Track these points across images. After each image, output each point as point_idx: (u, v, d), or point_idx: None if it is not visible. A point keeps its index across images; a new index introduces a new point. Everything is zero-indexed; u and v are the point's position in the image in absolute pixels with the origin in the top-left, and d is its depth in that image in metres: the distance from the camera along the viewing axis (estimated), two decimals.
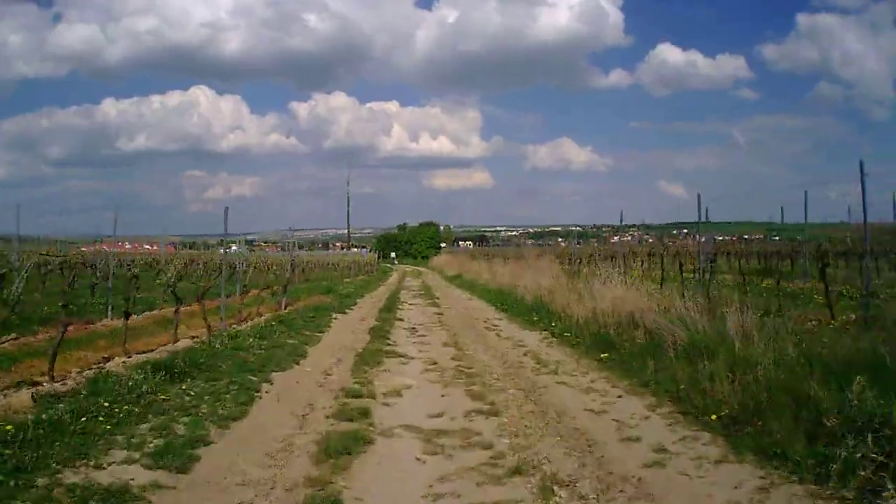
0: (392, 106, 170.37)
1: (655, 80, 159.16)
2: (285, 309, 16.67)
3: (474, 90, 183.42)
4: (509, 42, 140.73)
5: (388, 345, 11.03)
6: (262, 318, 14.34)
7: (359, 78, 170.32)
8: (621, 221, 21.81)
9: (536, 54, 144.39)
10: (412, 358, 9.58)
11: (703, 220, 12.68)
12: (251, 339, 10.43)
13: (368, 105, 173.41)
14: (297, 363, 8.93)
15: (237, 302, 14.91)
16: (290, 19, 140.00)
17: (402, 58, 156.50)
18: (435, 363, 9.09)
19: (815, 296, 11.58)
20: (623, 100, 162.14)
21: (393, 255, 79.81)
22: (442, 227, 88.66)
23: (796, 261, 20.84)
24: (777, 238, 29.82)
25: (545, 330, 12.01)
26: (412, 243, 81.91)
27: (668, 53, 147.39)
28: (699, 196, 12.32)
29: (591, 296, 11.60)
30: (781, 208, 14.61)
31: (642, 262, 22.00)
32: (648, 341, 8.35)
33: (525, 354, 9.61)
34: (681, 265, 15.31)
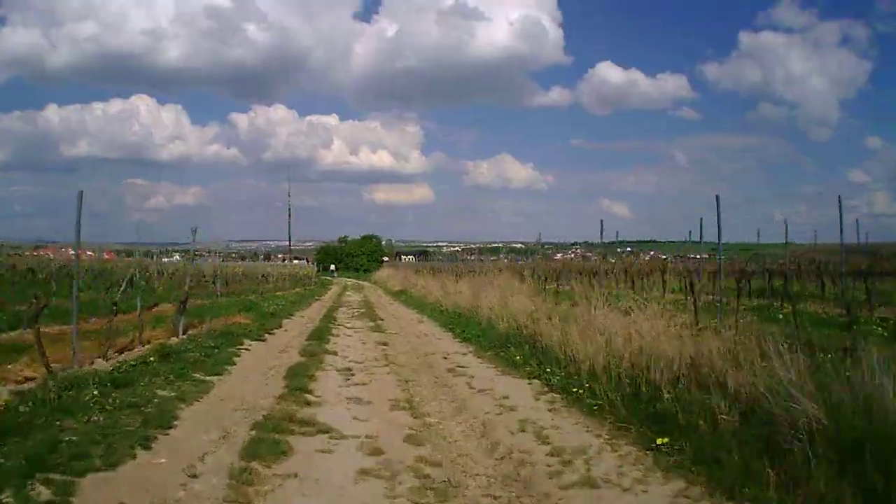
0: (331, 119, 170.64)
1: (596, 99, 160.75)
2: (184, 333, 12.76)
3: (414, 105, 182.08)
4: (448, 57, 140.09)
5: (308, 402, 7.34)
6: (147, 346, 10.52)
7: (298, 90, 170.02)
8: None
9: (475, 70, 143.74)
10: (342, 437, 5.89)
11: (713, 236, 9.62)
12: (95, 393, 6.67)
13: (308, 118, 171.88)
14: (137, 455, 5.11)
15: (123, 322, 11.03)
16: (230, 29, 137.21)
17: (340, 71, 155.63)
18: (380, 452, 5.43)
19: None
20: (563, 117, 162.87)
21: (333, 267, 75.00)
22: (384, 242, 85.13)
23: (791, 280, 18.35)
24: (722, 258, 31.64)
25: (537, 377, 8.51)
26: (354, 256, 77.83)
27: (609, 72, 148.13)
28: (717, 202, 9.29)
29: (595, 327, 8.23)
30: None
31: (663, 279, 18.58)
32: (742, 422, 4.99)
33: (522, 430, 6.09)
34: (690, 285, 12.19)
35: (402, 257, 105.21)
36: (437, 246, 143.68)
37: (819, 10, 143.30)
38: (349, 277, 67.32)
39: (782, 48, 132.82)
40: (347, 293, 34.63)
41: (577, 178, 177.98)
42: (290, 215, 73.62)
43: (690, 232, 12.82)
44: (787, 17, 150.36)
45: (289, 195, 76.04)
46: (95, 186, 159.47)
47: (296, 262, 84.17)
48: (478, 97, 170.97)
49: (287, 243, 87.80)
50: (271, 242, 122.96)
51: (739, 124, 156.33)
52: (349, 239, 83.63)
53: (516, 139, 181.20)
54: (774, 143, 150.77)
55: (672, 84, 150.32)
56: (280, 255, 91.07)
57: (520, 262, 35.33)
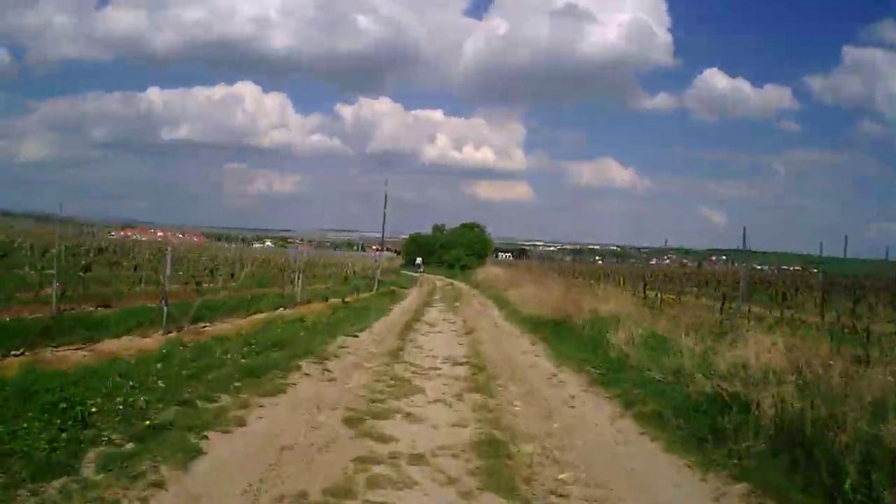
0: (437, 114, 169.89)
1: (701, 106, 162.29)
2: None
3: (519, 103, 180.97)
4: (557, 57, 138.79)
5: None
6: None
7: (404, 84, 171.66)
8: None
9: (583, 70, 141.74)
10: None
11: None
12: None
13: (413, 112, 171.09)
14: None
15: None
16: (339, 20, 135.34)
17: (448, 66, 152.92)
18: None
19: None
20: (668, 123, 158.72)
21: (419, 260, 65.03)
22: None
23: None
24: (815, 270, 28.47)
25: None
26: (449, 248, 66.59)
27: (716, 79, 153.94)
28: None
29: None
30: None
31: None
32: None
33: None
34: None
35: (500, 254, 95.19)
36: (532, 244, 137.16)
37: None
38: (440, 274, 57.28)
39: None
40: (432, 307, 23.20)
41: (678, 184, 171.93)
42: (385, 204, 69.20)
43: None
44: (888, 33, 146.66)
45: (385, 183, 72.75)
46: (195, 169, 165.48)
47: (387, 253, 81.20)
48: (583, 98, 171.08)
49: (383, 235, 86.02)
50: (368, 234, 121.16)
51: (839, 140, 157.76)
52: (446, 227, 73.06)
53: (619, 141, 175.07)
54: (872, 160, 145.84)
55: (777, 95, 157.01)
56: (374, 247, 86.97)
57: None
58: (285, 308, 16.33)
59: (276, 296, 17.15)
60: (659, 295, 19.48)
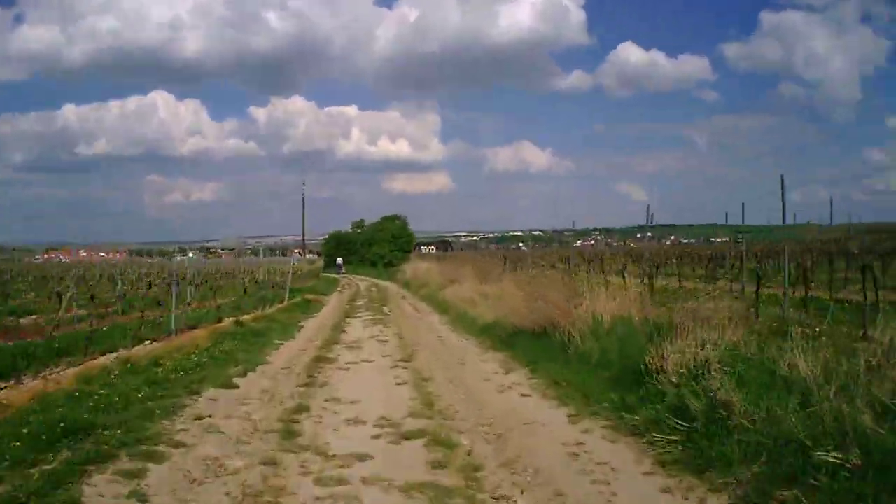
0: (351, 110, 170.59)
1: (617, 81, 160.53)
2: None
3: (433, 92, 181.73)
4: (470, 41, 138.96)
5: None
6: None
7: (317, 81, 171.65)
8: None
9: (497, 54, 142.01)
10: None
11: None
12: None
13: (327, 109, 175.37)
14: None
15: None
16: (249, 18, 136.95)
17: (360, 58, 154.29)
18: None
19: None
20: (584, 101, 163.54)
21: (339, 261, 58.88)
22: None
23: None
24: (741, 240, 26.86)
25: None
26: (371, 244, 61.13)
27: (630, 53, 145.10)
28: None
29: None
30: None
31: None
32: None
33: None
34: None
35: (422, 248, 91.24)
36: (455, 235, 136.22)
37: None
38: (365, 274, 52.15)
39: (803, 27, 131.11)
40: (352, 321, 17.18)
41: (596, 162, 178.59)
42: (303, 206, 72.86)
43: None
44: None
45: (303, 184, 74.78)
46: (114, 184, 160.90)
47: (310, 256, 78.22)
48: (498, 82, 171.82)
49: (306, 237, 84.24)
50: (289, 237, 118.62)
51: (760, 105, 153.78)
52: (366, 223, 67.27)
53: (536, 125, 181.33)
54: (794, 123, 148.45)
55: (693, 65, 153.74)
56: (297, 250, 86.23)
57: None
58: (153, 341, 11.22)
59: (143, 323, 11.90)
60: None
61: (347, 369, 9.94)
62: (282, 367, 9.94)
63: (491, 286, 18.74)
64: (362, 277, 48.14)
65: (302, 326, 15.75)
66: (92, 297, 14.28)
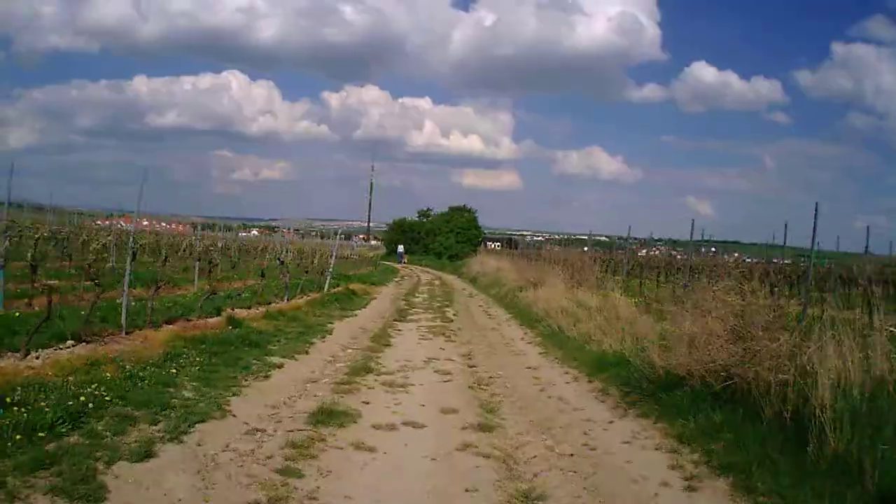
0: (424, 102, 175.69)
1: (689, 97, 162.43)
2: None
3: (507, 93, 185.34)
4: (545, 49, 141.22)
5: None
6: None
7: (391, 73, 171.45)
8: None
9: (571, 62, 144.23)
10: None
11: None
12: None
13: (400, 100, 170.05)
14: None
15: None
16: (325, 10, 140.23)
17: (436, 57, 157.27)
18: None
19: None
20: (656, 114, 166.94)
21: (400, 248, 54.72)
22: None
23: None
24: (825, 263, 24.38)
25: None
26: (436, 234, 56.32)
27: (704, 72, 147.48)
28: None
29: None
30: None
31: None
32: None
33: None
34: None
35: (488, 243, 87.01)
36: (520, 234, 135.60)
37: None
38: (427, 265, 47.57)
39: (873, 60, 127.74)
40: (404, 326, 13.05)
41: (665, 174, 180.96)
42: (370, 191, 70.36)
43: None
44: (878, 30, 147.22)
45: (371, 168, 72.36)
46: (182, 156, 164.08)
47: (374, 242, 77.66)
48: (571, 88, 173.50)
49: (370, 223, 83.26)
50: (354, 222, 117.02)
51: (828, 132, 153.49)
52: (431, 212, 62.94)
53: (607, 132, 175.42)
54: (860, 153, 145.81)
55: (765, 88, 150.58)
56: (361, 236, 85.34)
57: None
58: (86, 341, 6.83)
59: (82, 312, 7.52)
60: None
61: (372, 450, 5.06)
62: (222, 450, 5.04)
63: (594, 295, 13.62)
64: (424, 269, 43.55)
65: (329, 332, 11.02)
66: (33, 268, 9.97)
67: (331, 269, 19.20)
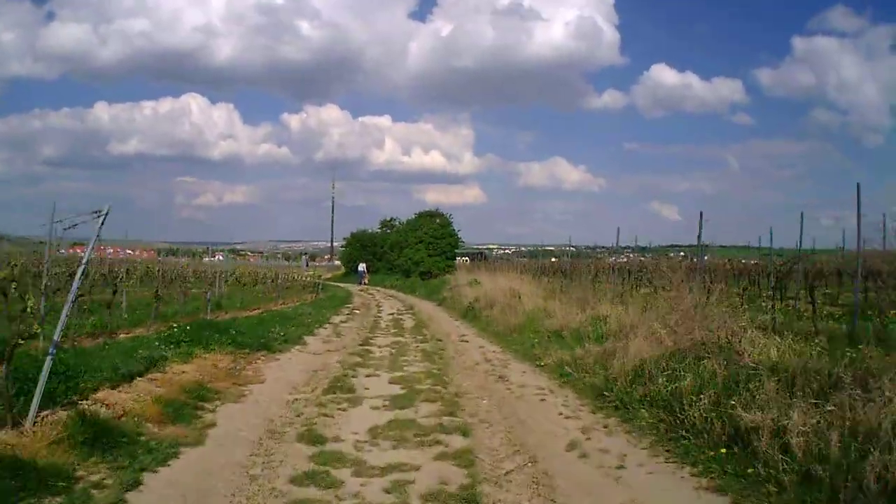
0: (384, 120, 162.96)
1: (650, 102, 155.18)
2: None
3: (467, 106, 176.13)
4: (503, 57, 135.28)
5: None
6: None
7: (350, 90, 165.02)
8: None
9: (531, 70, 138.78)
10: None
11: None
12: None
13: (361, 119, 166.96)
14: None
15: None
16: (282, 27, 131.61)
17: (394, 71, 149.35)
18: None
19: None
20: (617, 120, 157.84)
21: (362, 267, 43.77)
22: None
23: None
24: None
25: None
26: (402, 247, 44.74)
27: (664, 74, 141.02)
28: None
29: None
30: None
31: None
32: None
33: None
34: None
35: (457, 259, 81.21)
36: (487, 248, 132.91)
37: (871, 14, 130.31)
38: (395, 287, 36.60)
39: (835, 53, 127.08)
40: None
41: (629, 181, 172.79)
42: (332, 208, 68.43)
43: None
44: (839, 21, 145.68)
45: (332, 187, 69.43)
46: (145, 183, 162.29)
47: (337, 262, 72.77)
48: (531, 98, 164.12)
49: (335, 244, 79.37)
50: (320, 243, 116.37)
51: (792, 130, 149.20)
52: (397, 223, 51.79)
53: (569, 141, 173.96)
54: (826, 148, 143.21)
55: (727, 88, 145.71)
56: (327, 256, 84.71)
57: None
58: None
59: None
60: None
61: None
62: None
63: None
64: (389, 292, 32.55)
65: None
66: None
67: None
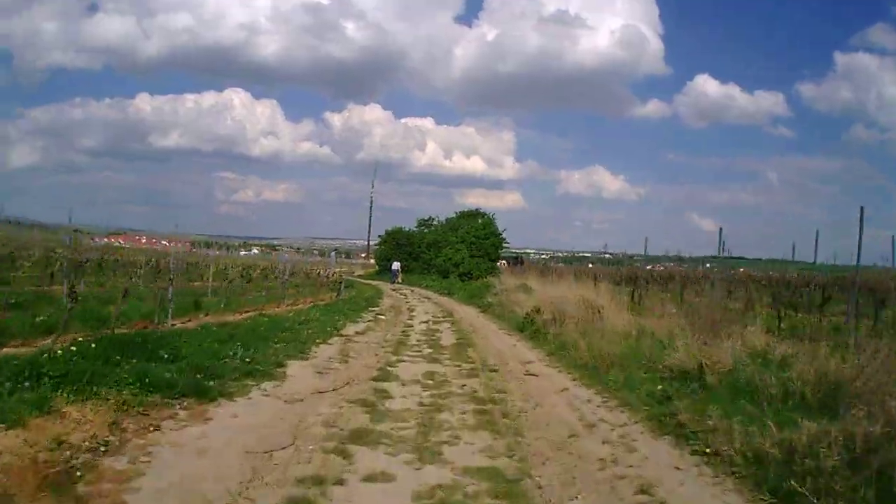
0: (427, 122, 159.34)
1: (693, 112, 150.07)
2: None
3: (510, 111, 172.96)
4: (547, 64, 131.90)
5: None
6: None
7: (394, 91, 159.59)
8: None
9: (574, 78, 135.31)
10: None
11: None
12: None
13: (403, 120, 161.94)
14: None
15: None
16: (327, 26, 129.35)
17: (438, 74, 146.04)
18: None
19: None
20: (659, 130, 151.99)
21: (395, 265, 40.22)
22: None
23: None
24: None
25: None
26: (441, 247, 40.52)
27: (707, 85, 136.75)
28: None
29: None
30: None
31: None
32: None
33: None
34: None
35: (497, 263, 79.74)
36: (525, 252, 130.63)
37: None
38: (430, 287, 32.84)
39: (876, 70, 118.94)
40: None
41: (668, 191, 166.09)
42: (371, 207, 68.67)
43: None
44: (879, 38, 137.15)
45: (371, 185, 69.94)
46: (185, 177, 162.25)
47: (373, 260, 71.45)
48: (574, 105, 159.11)
49: (371, 243, 77.63)
50: (357, 241, 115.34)
51: (833, 146, 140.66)
52: (435, 222, 47.25)
53: (609, 149, 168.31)
54: (861, 165, 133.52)
55: (769, 101, 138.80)
56: (363, 254, 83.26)
57: None
58: None
59: None
60: None
61: None
62: None
63: None
64: (424, 293, 28.73)
65: None
66: None
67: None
